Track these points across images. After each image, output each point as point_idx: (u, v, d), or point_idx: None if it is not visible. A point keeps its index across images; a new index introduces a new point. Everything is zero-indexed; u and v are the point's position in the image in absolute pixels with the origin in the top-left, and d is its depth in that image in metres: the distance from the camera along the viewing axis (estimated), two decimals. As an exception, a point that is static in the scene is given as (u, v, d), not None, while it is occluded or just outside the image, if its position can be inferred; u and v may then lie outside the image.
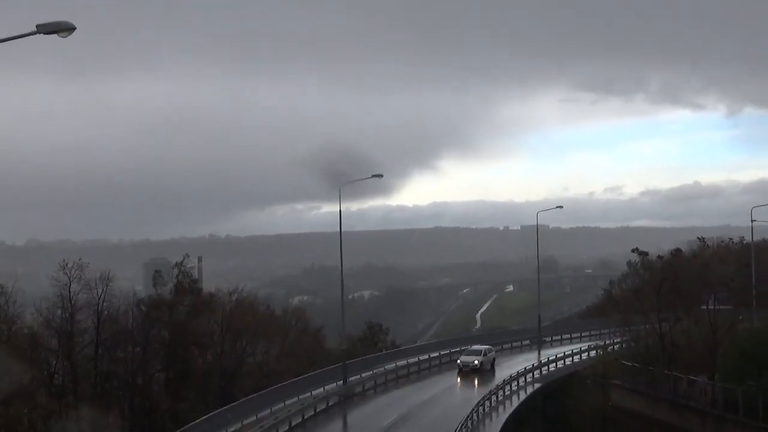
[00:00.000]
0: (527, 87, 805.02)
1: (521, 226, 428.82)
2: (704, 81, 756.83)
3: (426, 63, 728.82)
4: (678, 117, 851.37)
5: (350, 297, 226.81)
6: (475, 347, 71.72)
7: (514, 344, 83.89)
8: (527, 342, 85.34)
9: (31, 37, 19.92)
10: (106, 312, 59.50)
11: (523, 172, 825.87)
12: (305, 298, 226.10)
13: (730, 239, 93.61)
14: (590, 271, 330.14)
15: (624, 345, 65.61)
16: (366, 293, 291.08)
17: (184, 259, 68.15)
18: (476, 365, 67.42)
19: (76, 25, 19.51)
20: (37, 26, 19.58)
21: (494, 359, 70.20)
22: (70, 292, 57.39)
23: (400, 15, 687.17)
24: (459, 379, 65.70)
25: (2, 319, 52.50)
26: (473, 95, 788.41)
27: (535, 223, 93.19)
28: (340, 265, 61.80)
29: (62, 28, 19.53)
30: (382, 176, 62.75)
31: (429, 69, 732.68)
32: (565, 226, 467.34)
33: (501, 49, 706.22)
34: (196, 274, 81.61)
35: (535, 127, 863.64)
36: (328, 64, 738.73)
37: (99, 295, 58.79)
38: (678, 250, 62.86)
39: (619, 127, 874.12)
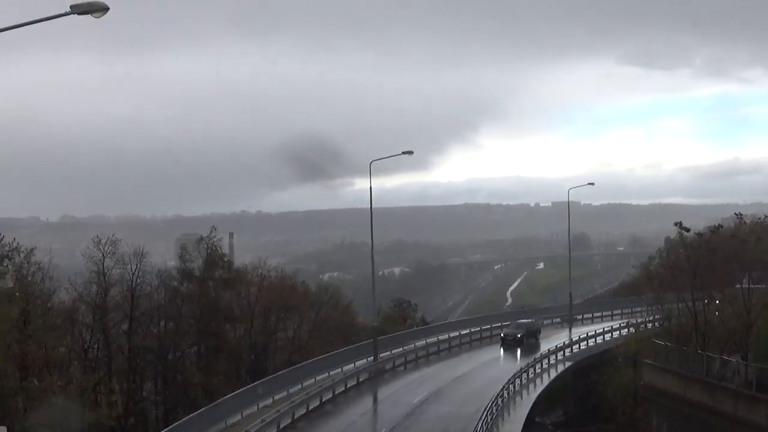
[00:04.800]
0: (570, 61, 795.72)
1: (552, 203, 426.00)
2: (751, 55, 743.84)
3: (467, 37, 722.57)
4: (722, 91, 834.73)
5: (381, 273, 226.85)
6: None
7: (545, 322, 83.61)
8: (558, 320, 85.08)
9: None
10: (139, 287, 60.03)
11: (562, 147, 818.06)
12: (335, 274, 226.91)
13: (766, 216, 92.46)
14: (622, 248, 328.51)
15: (656, 323, 65.22)
16: (396, 269, 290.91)
17: (211, 232, 67.96)
18: None
19: (109, 6, 19.60)
20: (70, 6, 19.69)
21: None
22: (104, 267, 57.91)
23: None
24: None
25: (38, 294, 53.05)
26: (514, 69, 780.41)
27: (567, 200, 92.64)
28: (370, 242, 61.74)
29: (95, 9, 19.59)
30: (413, 153, 62.21)
31: (470, 43, 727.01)
32: (596, 202, 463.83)
33: (544, 23, 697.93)
34: (227, 250, 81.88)
35: (577, 102, 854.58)
36: (369, 38, 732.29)
37: (133, 270, 59.33)
38: (718, 227, 62.12)
39: (662, 101, 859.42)
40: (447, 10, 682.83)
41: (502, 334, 71.97)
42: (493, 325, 77.45)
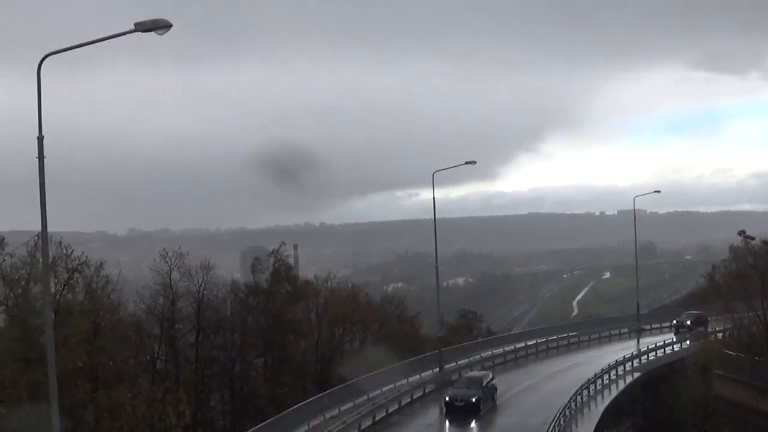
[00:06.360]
0: (639, 67, 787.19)
1: (618, 211, 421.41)
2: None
3: (535, 44, 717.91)
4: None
5: (445, 284, 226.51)
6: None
7: (612, 332, 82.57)
8: (625, 330, 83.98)
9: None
10: (206, 300, 60.72)
11: (629, 155, 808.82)
12: (400, 285, 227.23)
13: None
14: (690, 257, 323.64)
15: (727, 333, 64.03)
16: (460, 280, 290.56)
17: (280, 246, 68.76)
18: None
19: (172, 23, 19.94)
20: (135, 24, 20.05)
21: None
22: (170, 280, 58.69)
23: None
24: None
25: (107, 306, 53.99)
26: (583, 77, 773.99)
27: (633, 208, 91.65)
28: (434, 252, 61.57)
29: (159, 26, 19.96)
30: (475, 163, 61.48)
31: (538, 51, 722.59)
32: (663, 210, 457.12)
33: (614, 30, 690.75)
34: (292, 262, 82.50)
35: (646, 109, 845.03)
36: (439, 46, 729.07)
37: (199, 283, 60.05)
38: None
39: (732, 106, 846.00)
40: (517, 18, 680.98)
41: (446, 398, 48.58)
42: (559, 336, 76.87)
